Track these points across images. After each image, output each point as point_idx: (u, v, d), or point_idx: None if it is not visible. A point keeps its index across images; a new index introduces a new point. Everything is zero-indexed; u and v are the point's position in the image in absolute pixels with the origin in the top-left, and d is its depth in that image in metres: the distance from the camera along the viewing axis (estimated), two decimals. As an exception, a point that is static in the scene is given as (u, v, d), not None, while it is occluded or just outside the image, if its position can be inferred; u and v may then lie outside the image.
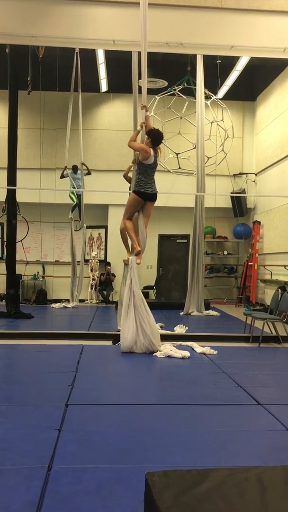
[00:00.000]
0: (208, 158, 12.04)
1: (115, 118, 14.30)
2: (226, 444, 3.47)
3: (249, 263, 13.79)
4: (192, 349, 7.02)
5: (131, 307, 6.89)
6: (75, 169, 12.64)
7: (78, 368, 5.68)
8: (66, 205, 12.58)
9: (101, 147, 14.36)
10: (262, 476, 2.18)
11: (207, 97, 11.84)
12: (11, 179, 10.43)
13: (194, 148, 11.78)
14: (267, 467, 2.41)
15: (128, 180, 9.62)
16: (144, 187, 7.00)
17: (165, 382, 5.46)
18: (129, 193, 7.47)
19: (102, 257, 14.82)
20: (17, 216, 10.79)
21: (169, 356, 6.53)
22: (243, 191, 14.11)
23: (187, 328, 8.64)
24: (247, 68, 11.96)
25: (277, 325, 8.21)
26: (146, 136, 7.12)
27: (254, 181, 14.53)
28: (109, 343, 7.49)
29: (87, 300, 14.04)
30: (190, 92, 11.97)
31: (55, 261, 14.18)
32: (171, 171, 12.82)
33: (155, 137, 7.05)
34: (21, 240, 11.82)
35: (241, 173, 14.57)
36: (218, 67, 11.36)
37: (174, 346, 7.05)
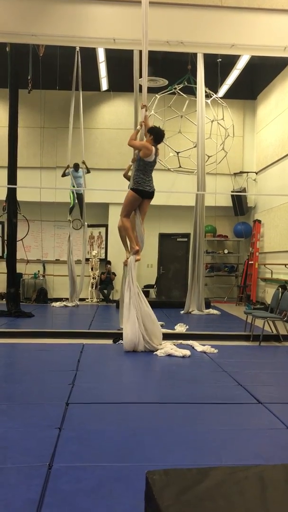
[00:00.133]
0: (209, 156, 12.03)
1: (116, 117, 14.29)
2: (227, 442, 3.47)
3: (250, 262, 13.79)
4: (193, 347, 7.02)
5: (132, 306, 6.89)
6: (76, 167, 12.64)
7: (79, 366, 5.68)
8: (66, 204, 12.58)
9: (101, 146, 14.35)
10: (262, 475, 2.18)
11: (207, 96, 11.83)
12: (12, 178, 10.43)
13: (194, 146, 11.77)
14: (267, 466, 2.41)
15: (128, 179, 9.61)
16: (143, 185, 7.01)
17: (166, 380, 5.46)
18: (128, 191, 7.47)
19: (103, 256, 14.82)
20: (17, 215, 10.80)
21: (169, 355, 6.53)
22: (244, 190, 14.11)
23: (187, 327, 8.65)
24: (248, 67, 11.94)
25: (278, 324, 8.21)
26: (147, 133, 7.13)
27: (254, 179, 14.52)
28: (110, 341, 7.49)
29: (88, 299, 14.04)
30: (191, 91, 11.96)
31: (56, 260, 14.18)
32: (172, 169, 12.81)
33: (157, 135, 7.07)
34: (21, 239, 11.82)
35: (241, 172, 14.56)
36: (218, 66, 11.36)
37: (174, 344, 7.05)
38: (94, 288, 14.14)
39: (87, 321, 9.75)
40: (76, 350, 6.60)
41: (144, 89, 7.24)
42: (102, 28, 8.80)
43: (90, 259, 14.10)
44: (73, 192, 12.54)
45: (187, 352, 6.54)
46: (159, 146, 7.25)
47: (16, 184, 10.49)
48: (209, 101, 11.97)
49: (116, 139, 13.74)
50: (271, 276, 12.60)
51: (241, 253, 14.85)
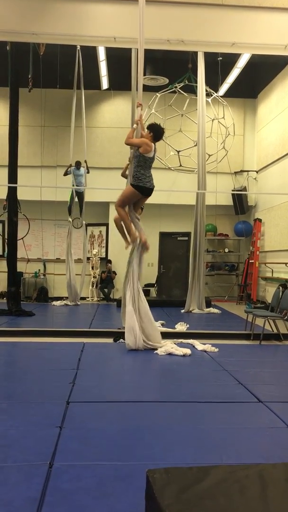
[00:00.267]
0: (209, 155, 12.02)
1: (116, 116, 14.28)
2: (227, 441, 3.47)
3: (250, 261, 13.79)
4: (193, 346, 7.02)
5: (135, 304, 6.89)
6: (78, 164, 12.61)
7: (79, 365, 5.68)
8: (67, 203, 12.58)
9: (102, 145, 14.34)
10: (263, 473, 2.18)
11: (208, 95, 11.82)
12: (12, 177, 10.43)
13: (195, 145, 11.77)
14: (268, 465, 2.41)
15: (126, 177, 9.60)
16: (143, 181, 7.02)
17: (166, 379, 5.46)
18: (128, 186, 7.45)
19: (103, 255, 14.82)
20: (18, 213, 10.80)
21: (170, 354, 6.53)
22: (244, 189, 14.11)
23: (188, 325, 8.65)
24: (248, 65, 11.94)
25: (278, 323, 8.22)
26: (147, 130, 7.15)
27: (255, 178, 14.51)
28: (110, 340, 7.50)
29: (88, 297, 14.05)
30: (191, 90, 11.95)
31: (56, 258, 14.19)
32: (172, 168, 12.81)
33: (157, 131, 7.10)
34: (22, 238, 11.83)
35: (242, 171, 14.55)
36: (219, 64, 11.36)
37: (175, 343, 7.05)
38: (94, 287, 14.15)
39: (88, 320, 9.75)
40: (77, 349, 6.61)
41: (140, 87, 7.24)
42: (103, 26, 8.80)
43: (91, 258, 14.10)
44: (72, 192, 12.52)
45: (187, 351, 6.55)
46: (158, 143, 7.28)
47: (16, 183, 10.48)
48: (209, 99, 11.96)
49: (117, 138, 13.72)
50: (272, 275, 12.60)
51: (241, 252, 14.85)
